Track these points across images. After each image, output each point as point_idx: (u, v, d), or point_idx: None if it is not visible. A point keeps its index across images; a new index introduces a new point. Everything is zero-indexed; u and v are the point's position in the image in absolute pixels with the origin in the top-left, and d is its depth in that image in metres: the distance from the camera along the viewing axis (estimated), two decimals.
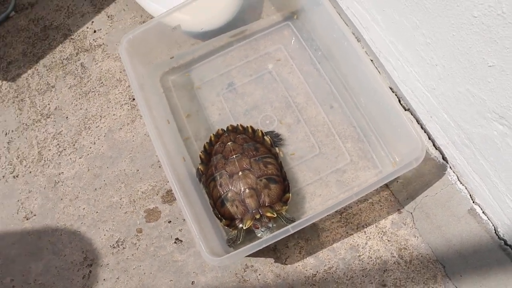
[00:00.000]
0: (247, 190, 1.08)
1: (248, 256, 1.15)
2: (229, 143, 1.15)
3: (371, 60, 1.18)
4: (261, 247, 0.95)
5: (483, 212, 1.10)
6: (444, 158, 1.14)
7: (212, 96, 1.29)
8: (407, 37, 1.06)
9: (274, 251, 1.16)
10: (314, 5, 1.25)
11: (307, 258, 1.15)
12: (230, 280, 1.14)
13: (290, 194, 1.12)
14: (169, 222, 1.20)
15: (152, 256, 1.17)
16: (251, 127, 1.20)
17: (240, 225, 1.07)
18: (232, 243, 1.10)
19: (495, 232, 1.08)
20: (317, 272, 1.14)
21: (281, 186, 1.12)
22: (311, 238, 1.16)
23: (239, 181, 1.09)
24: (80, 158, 1.27)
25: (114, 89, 1.35)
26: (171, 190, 1.22)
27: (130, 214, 1.21)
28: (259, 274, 1.14)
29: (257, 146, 1.16)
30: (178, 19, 1.22)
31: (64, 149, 1.29)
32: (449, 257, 1.13)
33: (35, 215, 1.24)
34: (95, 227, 1.21)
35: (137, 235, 1.19)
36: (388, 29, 1.11)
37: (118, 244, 1.19)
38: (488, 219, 1.09)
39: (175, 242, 1.18)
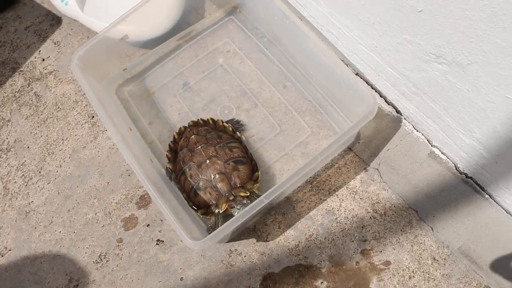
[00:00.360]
0: (217, 176, 1.11)
1: (230, 241, 1.18)
2: (192, 137, 1.18)
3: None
4: (239, 222, 0.98)
5: (442, 152, 1.16)
6: (397, 111, 1.20)
7: (170, 98, 1.32)
8: (343, 5, 1.12)
9: (254, 231, 1.18)
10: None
11: (287, 231, 1.18)
12: (217, 268, 1.16)
13: (259, 173, 1.16)
14: (148, 225, 1.21)
15: (137, 262, 1.18)
16: (211, 118, 1.24)
17: (217, 210, 1.09)
18: (213, 230, 1.12)
19: (456, 169, 1.14)
20: (299, 242, 1.17)
21: (249, 166, 1.15)
22: (287, 211, 1.19)
23: (208, 169, 1.12)
24: (48, 183, 1.28)
25: (72, 111, 1.36)
26: (144, 195, 1.24)
27: (108, 226, 1.22)
28: (244, 256, 1.16)
29: (220, 134, 1.19)
30: (124, 31, 1.25)
31: (30, 178, 1.29)
32: (419, 202, 1.19)
33: (10, 250, 1.22)
34: (75, 247, 1.21)
35: (118, 245, 1.20)
36: (325, 2, 1.17)
37: (100, 259, 1.19)
38: (447, 158, 1.15)
39: (157, 244, 1.19)
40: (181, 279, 1.16)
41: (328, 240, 1.17)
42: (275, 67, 1.32)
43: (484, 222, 1.13)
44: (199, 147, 1.15)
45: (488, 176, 1.08)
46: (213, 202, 1.11)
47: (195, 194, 1.12)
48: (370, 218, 1.18)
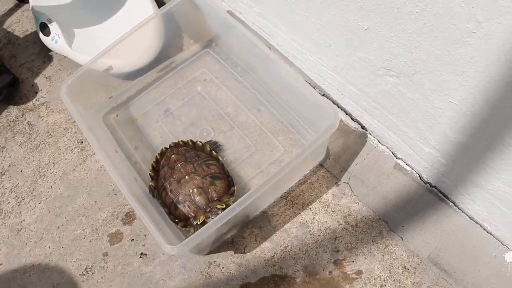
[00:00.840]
0: (195, 190, 1.18)
1: (209, 253, 1.23)
2: (172, 156, 1.26)
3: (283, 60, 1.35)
4: (213, 228, 1.03)
5: (406, 164, 1.23)
6: (363, 127, 1.28)
7: (152, 123, 1.42)
8: (303, 31, 1.23)
9: (232, 244, 1.24)
10: (227, 30, 1.42)
11: (263, 243, 1.23)
12: (197, 279, 1.21)
13: (235, 188, 1.23)
14: (132, 240, 1.27)
15: (121, 274, 1.23)
16: (190, 140, 1.32)
17: (195, 222, 1.16)
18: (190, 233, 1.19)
19: (420, 178, 1.21)
20: (274, 253, 1.22)
21: (225, 181, 1.22)
22: (263, 225, 1.25)
23: (187, 184, 1.19)
24: (39, 203, 1.35)
25: (62, 137, 1.46)
26: (129, 212, 1.31)
27: (94, 241, 1.28)
28: (223, 268, 1.22)
29: (198, 153, 1.27)
30: (107, 63, 1.37)
31: (23, 199, 1.37)
32: (389, 213, 1.24)
33: (1, 264, 1.29)
34: (63, 261, 1.27)
35: (104, 259, 1.26)
36: (287, 29, 1.29)
37: (87, 271, 1.25)
38: (412, 168, 1.22)
39: (140, 257, 1.25)
40: None
41: (302, 251, 1.22)
42: (249, 93, 1.42)
43: (451, 229, 1.19)
44: (179, 164, 1.23)
45: (450, 183, 1.15)
46: (192, 214, 1.18)
47: (175, 207, 1.19)
48: (342, 229, 1.24)
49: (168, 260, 1.24)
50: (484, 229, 1.16)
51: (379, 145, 1.27)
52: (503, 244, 1.15)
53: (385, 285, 1.17)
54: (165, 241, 1.04)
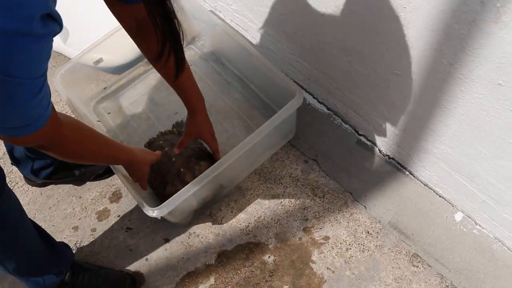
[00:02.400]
0: (181, 170, 1.27)
1: (189, 225, 1.34)
2: (160, 142, 1.36)
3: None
4: (190, 192, 1.14)
5: (367, 139, 1.36)
6: (328, 108, 1.42)
7: (140, 112, 1.54)
8: (273, 23, 1.37)
9: (210, 216, 1.36)
10: (209, 27, 1.56)
11: (239, 214, 1.35)
12: (178, 249, 1.32)
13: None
14: (119, 216, 1.39)
15: (108, 247, 1.34)
16: (176, 129, 1.44)
17: None
18: None
19: (380, 152, 1.34)
20: (249, 223, 1.34)
21: (209, 162, 1.28)
22: (238, 198, 1.37)
23: (174, 165, 1.28)
24: (32, 186, 1.46)
25: None
26: (116, 191, 1.43)
27: (83, 219, 1.39)
28: (201, 238, 1.33)
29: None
30: (96, 57, 1.49)
31: (17, 183, 1.48)
32: (353, 184, 1.37)
33: None
34: (54, 238, 1.37)
35: (92, 234, 1.37)
36: (260, 23, 1.42)
37: (76, 246, 1.35)
38: (372, 143, 1.35)
39: (126, 231, 1.36)
40: (146, 259, 1.32)
41: (274, 220, 1.33)
42: (227, 83, 1.55)
43: (408, 196, 1.31)
44: (166, 149, 1.33)
45: (404, 153, 1.27)
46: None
47: (163, 187, 1.27)
48: (311, 200, 1.36)
49: (151, 232, 1.35)
50: (436, 193, 1.29)
51: (343, 124, 1.40)
52: (452, 206, 1.27)
53: (350, 249, 1.29)
54: (147, 206, 1.15)
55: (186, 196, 1.15)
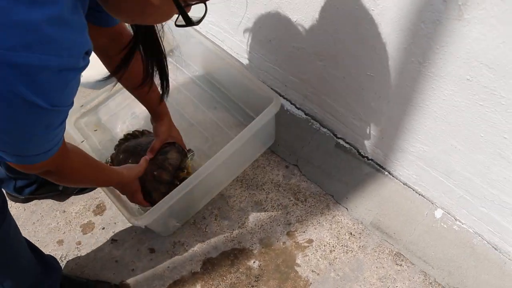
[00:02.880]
0: (155, 173, 1.25)
1: (174, 235, 1.35)
2: (120, 157, 1.34)
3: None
4: (174, 200, 1.15)
5: (345, 142, 1.38)
6: (306, 113, 1.44)
7: (120, 124, 1.55)
8: (248, 32, 1.40)
9: (194, 224, 1.37)
10: (186, 40, 1.58)
11: (222, 221, 1.36)
12: (163, 258, 1.32)
13: (188, 156, 1.32)
14: (103, 228, 1.39)
15: (93, 260, 1.34)
16: (146, 130, 1.43)
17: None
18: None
19: (359, 153, 1.36)
20: (233, 230, 1.35)
21: (176, 151, 1.28)
22: (222, 206, 1.38)
23: (147, 173, 1.24)
24: (15, 203, 1.46)
25: None
26: (100, 204, 1.43)
27: (68, 232, 1.39)
28: (186, 246, 1.34)
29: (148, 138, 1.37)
30: None
31: None
32: (334, 187, 1.39)
33: None
34: None
35: (77, 247, 1.37)
36: (235, 33, 1.45)
37: (61, 260, 1.35)
38: (350, 145, 1.38)
39: (111, 243, 1.36)
40: (132, 270, 1.32)
41: (258, 226, 1.35)
42: (206, 94, 1.57)
43: (388, 196, 1.33)
44: (130, 161, 1.29)
45: (382, 153, 1.30)
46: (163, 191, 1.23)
47: (150, 197, 1.25)
48: (293, 205, 1.37)
49: (137, 243, 1.35)
50: (415, 191, 1.31)
51: (321, 128, 1.42)
52: (432, 203, 1.29)
53: (334, 250, 1.30)
54: (131, 215, 1.16)
55: (171, 203, 1.16)
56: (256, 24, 1.33)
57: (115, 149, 1.42)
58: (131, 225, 1.37)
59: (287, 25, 1.22)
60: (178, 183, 1.22)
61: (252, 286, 1.27)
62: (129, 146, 1.35)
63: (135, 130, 1.43)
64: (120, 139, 1.43)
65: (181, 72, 1.65)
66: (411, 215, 1.31)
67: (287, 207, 1.37)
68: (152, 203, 1.22)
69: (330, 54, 1.17)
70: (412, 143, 1.18)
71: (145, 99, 1.20)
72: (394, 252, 1.29)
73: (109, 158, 1.39)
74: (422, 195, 1.31)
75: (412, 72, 1.02)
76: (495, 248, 1.24)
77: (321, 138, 1.41)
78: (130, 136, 1.42)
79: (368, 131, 1.28)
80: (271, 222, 1.35)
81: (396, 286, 1.25)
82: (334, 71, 1.20)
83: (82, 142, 1.47)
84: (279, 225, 1.34)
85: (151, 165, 1.25)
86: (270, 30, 1.29)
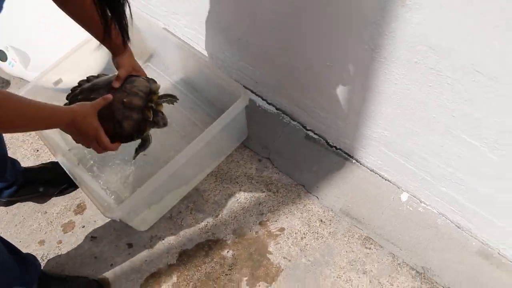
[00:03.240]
0: (124, 100, 1.15)
1: (151, 229, 1.40)
2: (78, 97, 1.24)
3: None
4: (145, 193, 1.20)
5: (314, 133, 1.44)
6: (277, 108, 1.50)
7: None
8: (219, 32, 1.46)
9: (170, 219, 1.41)
10: (163, 45, 1.64)
11: (197, 214, 1.41)
12: (141, 252, 1.37)
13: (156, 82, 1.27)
14: (83, 227, 1.44)
15: (73, 257, 1.39)
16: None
17: (148, 119, 1.18)
18: (142, 147, 1.28)
19: (327, 144, 1.42)
20: (207, 222, 1.39)
21: (138, 77, 1.22)
22: (196, 200, 1.43)
23: (114, 102, 1.14)
24: None
25: (19, 148, 1.64)
26: (81, 204, 1.48)
27: (49, 232, 1.44)
28: (163, 240, 1.38)
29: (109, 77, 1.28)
30: (57, 78, 1.56)
31: None
32: (304, 177, 1.43)
33: None
34: None
35: (58, 246, 1.41)
36: (208, 34, 1.51)
37: (43, 259, 1.39)
38: (319, 136, 1.43)
39: (91, 240, 1.41)
40: (111, 265, 1.36)
41: (231, 217, 1.39)
42: (183, 95, 1.63)
43: (356, 183, 1.38)
44: (92, 96, 1.17)
45: (349, 142, 1.35)
46: (140, 116, 1.17)
47: (121, 127, 1.15)
48: (265, 196, 1.42)
49: (115, 239, 1.40)
50: (382, 177, 1.36)
51: (291, 121, 1.48)
52: (398, 187, 1.34)
53: (305, 237, 1.34)
54: (107, 208, 1.20)
55: (145, 194, 1.20)
56: (225, 23, 1.39)
57: (68, 98, 1.28)
58: (110, 222, 1.42)
59: (253, 23, 1.28)
60: (153, 106, 1.18)
61: (226, 274, 1.31)
62: (86, 87, 1.24)
63: (90, 76, 1.32)
64: (73, 88, 1.30)
65: (161, 76, 1.71)
66: (379, 200, 1.35)
67: (259, 199, 1.41)
68: (124, 138, 1.16)
69: (292, 48, 1.23)
70: (374, 129, 1.23)
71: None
72: (364, 237, 1.34)
73: None
74: (388, 180, 1.35)
75: (366, 59, 1.07)
76: (458, 227, 1.28)
77: (291, 131, 1.46)
78: (85, 81, 1.30)
79: (333, 121, 1.33)
80: (244, 213, 1.39)
81: (366, 269, 1.29)
82: (298, 64, 1.25)
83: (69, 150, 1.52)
84: (252, 215, 1.39)
85: (118, 94, 1.15)
86: (238, 29, 1.35)
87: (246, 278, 1.30)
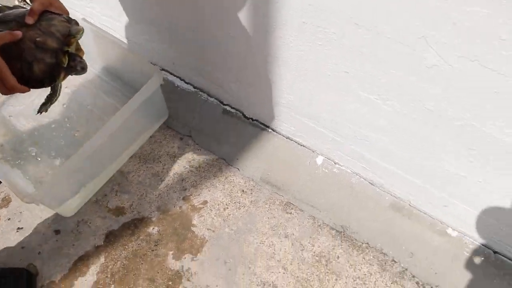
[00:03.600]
0: (37, 39, 0.97)
1: (77, 214, 1.41)
2: None
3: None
4: (66, 171, 1.22)
5: (231, 107, 1.48)
6: (194, 87, 1.53)
7: (23, 121, 1.61)
8: (133, 16, 1.47)
9: (96, 202, 1.43)
10: (84, 35, 1.65)
11: (123, 195, 1.43)
12: (68, 237, 1.38)
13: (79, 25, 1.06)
14: (9, 219, 1.44)
15: (0, 250, 1.39)
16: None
17: (63, 65, 1.01)
18: (49, 101, 1.10)
19: (244, 116, 1.45)
20: (132, 202, 1.41)
21: (62, 19, 1.03)
22: (121, 181, 1.45)
23: (25, 40, 0.96)
24: None
25: None
26: (6, 197, 1.48)
27: None
28: (90, 223, 1.40)
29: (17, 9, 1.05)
30: None
31: None
32: (224, 151, 1.47)
33: None
34: None
35: None
36: (123, 19, 1.53)
37: None
38: (236, 110, 1.47)
39: (17, 231, 1.41)
40: (39, 253, 1.37)
41: (155, 195, 1.42)
42: (105, 83, 1.64)
43: (273, 151, 1.42)
44: (0, 30, 0.97)
45: (262, 111, 1.39)
46: (53, 60, 1.00)
47: (30, 70, 0.98)
48: (188, 172, 1.45)
49: (42, 228, 1.41)
50: (297, 143, 1.40)
51: (209, 98, 1.51)
52: (312, 151, 1.39)
53: (227, 208, 1.38)
54: (24, 193, 1.20)
55: (62, 177, 1.21)
56: (138, 7, 1.40)
57: None
58: (37, 212, 1.43)
59: (161, 4, 1.29)
60: (69, 50, 1.02)
61: (152, 250, 1.33)
62: None
63: (3, 5, 1.08)
64: None
65: (93, 74, 1.72)
66: (295, 166, 1.40)
67: (182, 175, 1.44)
68: (32, 83, 1.00)
69: (198, 24, 1.25)
70: (280, 95, 1.27)
71: None
72: (284, 202, 1.38)
73: None
74: (303, 145, 1.40)
75: (261, 25, 1.10)
76: (371, 184, 1.34)
77: (209, 107, 1.50)
78: None
79: (245, 91, 1.36)
80: (167, 190, 1.42)
81: (287, 232, 1.33)
82: (205, 39, 1.28)
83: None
84: (175, 192, 1.42)
85: (31, 31, 0.98)
86: (150, 11, 1.37)
87: (172, 252, 1.33)
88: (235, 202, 1.39)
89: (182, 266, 1.31)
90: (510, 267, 1.24)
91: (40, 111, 1.10)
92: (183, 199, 1.41)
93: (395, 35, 0.88)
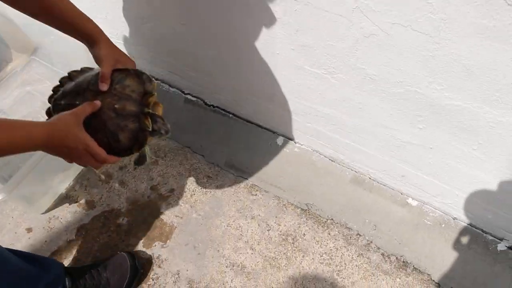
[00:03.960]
0: (116, 106, 0.94)
1: (49, 211, 1.44)
2: (62, 102, 1.01)
3: None
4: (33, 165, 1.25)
5: (192, 96, 1.50)
6: (157, 79, 1.55)
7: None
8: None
9: (66, 198, 1.46)
10: (45, 35, 1.67)
11: (92, 190, 1.46)
12: (40, 234, 1.41)
13: (152, 79, 1.03)
14: None
15: None
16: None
17: (148, 129, 0.97)
18: (143, 159, 1.09)
19: (205, 104, 1.48)
20: (102, 195, 1.44)
21: (135, 76, 1.00)
22: (90, 177, 1.48)
23: (104, 109, 0.94)
24: None
25: None
26: None
27: None
28: (61, 219, 1.42)
29: (86, 76, 1.03)
30: None
31: None
32: (189, 139, 1.49)
33: None
34: None
35: None
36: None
37: None
38: (197, 98, 1.49)
39: None
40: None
41: (124, 187, 1.45)
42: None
43: (236, 136, 1.44)
44: (77, 102, 0.96)
45: (221, 97, 1.41)
46: (137, 125, 0.96)
47: (117, 141, 0.95)
48: (154, 162, 1.47)
49: (14, 226, 1.44)
50: (258, 125, 1.43)
51: (170, 88, 1.53)
52: (273, 133, 1.41)
53: (194, 195, 1.41)
54: None
55: (27, 172, 1.24)
56: (100, 5, 1.41)
57: (50, 101, 1.04)
58: (8, 211, 1.46)
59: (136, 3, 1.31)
60: (150, 111, 0.98)
61: (123, 241, 1.36)
62: (69, 89, 1.01)
63: (72, 71, 1.06)
64: (54, 87, 1.06)
65: (48, 68, 1.74)
66: (258, 148, 1.42)
67: (149, 165, 1.47)
68: (121, 152, 0.97)
69: (151, 14, 1.27)
70: (235, 78, 1.29)
71: (69, 22, 0.93)
72: (249, 185, 1.40)
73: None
74: (263, 127, 1.42)
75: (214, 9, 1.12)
76: (332, 160, 1.36)
77: (171, 97, 1.52)
78: (66, 79, 1.05)
79: (203, 78, 1.39)
80: (135, 182, 1.45)
81: (253, 214, 1.36)
82: (160, 29, 1.30)
83: None
84: (143, 182, 1.44)
85: (108, 98, 0.95)
86: (107, 9, 1.38)
87: (142, 241, 1.36)
88: (201, 188, 1.41)
89: (153, 253, 1.34)
90: (469, 231, 1.27)
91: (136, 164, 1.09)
92: (151, 188, 1.43)
93: (332, 8, 0.89)
